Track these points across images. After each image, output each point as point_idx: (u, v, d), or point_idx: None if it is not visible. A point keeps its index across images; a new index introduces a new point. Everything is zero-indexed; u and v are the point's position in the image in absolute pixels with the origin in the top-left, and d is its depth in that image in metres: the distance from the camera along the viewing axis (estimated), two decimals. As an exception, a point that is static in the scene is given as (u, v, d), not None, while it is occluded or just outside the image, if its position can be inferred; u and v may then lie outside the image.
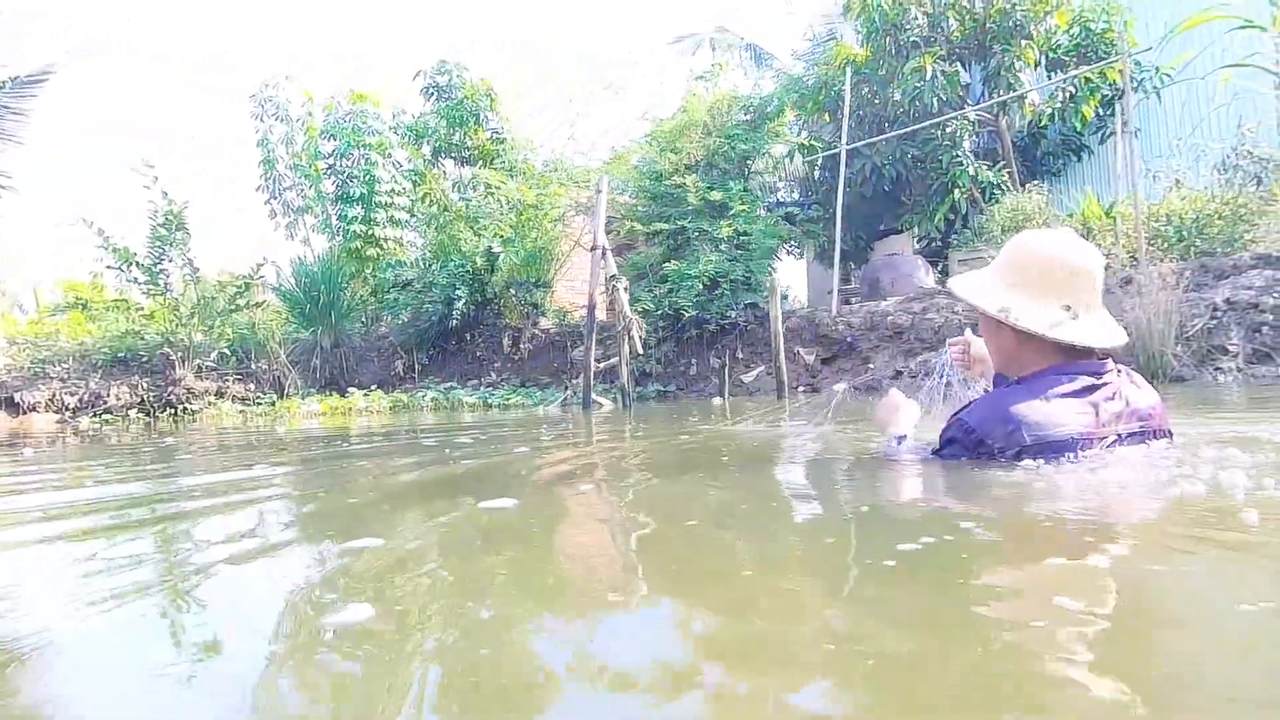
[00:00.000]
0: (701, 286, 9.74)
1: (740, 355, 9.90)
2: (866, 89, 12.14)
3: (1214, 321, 6.45)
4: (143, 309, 11.86)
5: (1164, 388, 5.59)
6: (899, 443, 2.31)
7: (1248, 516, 1.32)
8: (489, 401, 9.46)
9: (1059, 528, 1.41)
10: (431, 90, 14.45)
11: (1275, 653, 0.83)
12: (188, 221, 11.13)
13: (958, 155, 11.26)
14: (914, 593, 1.10)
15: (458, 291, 11.31)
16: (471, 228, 11.85)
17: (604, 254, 8.07)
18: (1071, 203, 10.34)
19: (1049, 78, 11.80)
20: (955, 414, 2.01)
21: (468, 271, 11.54)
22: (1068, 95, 11.56)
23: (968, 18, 11.38)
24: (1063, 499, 1.57)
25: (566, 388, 9.69)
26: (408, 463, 3.27)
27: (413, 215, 13.57)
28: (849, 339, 9.04)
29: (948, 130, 11.28)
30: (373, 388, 10.64)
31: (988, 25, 11.21)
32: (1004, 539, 1.36)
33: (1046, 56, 11.50)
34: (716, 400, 8.13)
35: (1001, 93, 11.23)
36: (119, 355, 11.18)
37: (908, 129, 11.22)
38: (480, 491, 2.27)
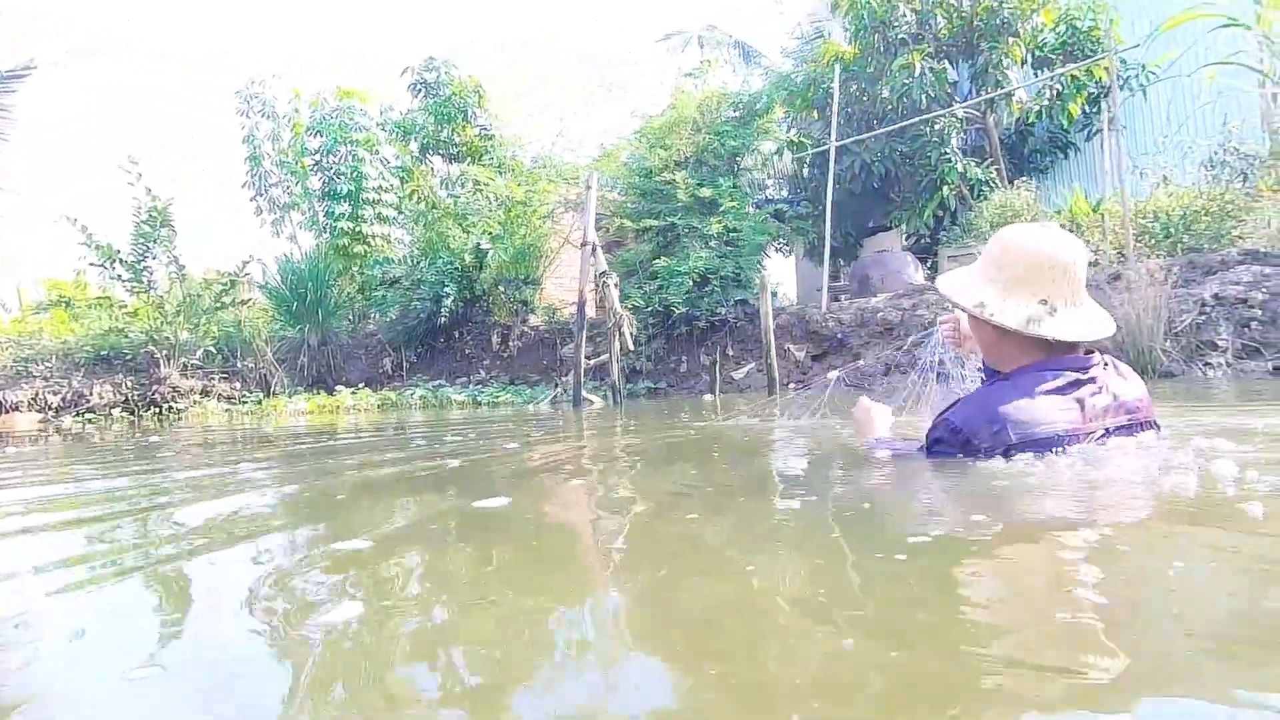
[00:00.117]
0: (691, 283, 9.72)
1: (730, 352, 9.89)
2: (855, 86, 12.16)
3: (1202, 317, 6.48)
4: (126, 307, 11.72)
5: (1153, 383, 5.62)
6: (879, 443, 2.31)
7: (1251, 509, 1.31)
8: (478, 399, 9.41)
9: (1054, 521, 1.41)
10: (419, 87, 14.35)
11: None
12: (173, 218, 11.01)
13: (946, 152, 11.29)
14: (929, 587, 1.08)
15: (446, 289, 11.24)
16: (460, 225, 11.78)
17: (594, 250, 8.04)
18: (1059, 199, 10.38)
19: (1036, 75, 11.85)
20: (940, 414, 2.00)
21: (456, 269, 11.48)
22: (1055, 93, 11.62)
23: (955, 15, 11.41)
24: (1057, 491, 1.57)
25: (556, 385, 9.65)
26: (397, 461, 3.23)
27: (400, 212, 13.48)
28: (839, 335, 9.05)
29: (936, 127, 11.31)
30: (360, 386, 10.56)
31: (975, 23, 11.25)
32: (1007, 534, 1.34)
33: (1033, 54, 11.55)
34: (707, 397, 8.12)
35: (989, 90, 11.26)
36: (102, 354, 11.05)
37: (896, 126, 11.24)
38: (472, 490, 2.24)
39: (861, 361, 8.30)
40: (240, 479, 2.78)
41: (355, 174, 12.86)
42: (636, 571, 1.26)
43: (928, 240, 12.52)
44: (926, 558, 1.19)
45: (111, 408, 10.12)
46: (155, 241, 10.95)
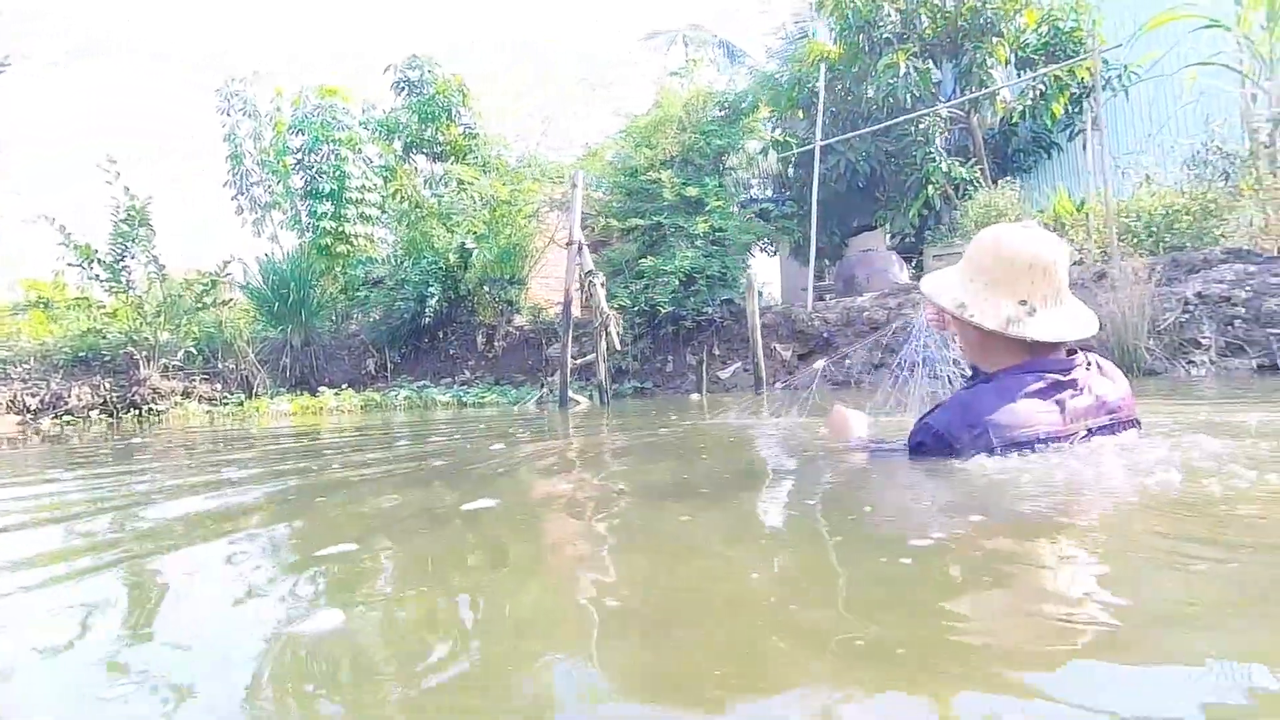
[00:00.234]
0: (678, 283, 9.69)
1: (717, 351, 9.87)
2: (840, 85, 12.18)
3: (1185, 315, 6.52)
4: (105, 307, 11.55)
5: (1138, 381, 5.65)
6: (857, 443, 2.33)
7: (1230, 504, 1.29)
8: (463, 400, 9.34)
9: (1043, 519, 1.40)
10: (402, 85, 14.24)
11: None
12: (151, 217, 10.86)
13: (931, 151, 11.33)
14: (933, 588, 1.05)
15: (430, 289, 11.16)
16: (444, 224, 11.69)
17: (580, 249, 7.99)
18: (1043, 199, 10.45)
19: (1019, 75, 11.92)
20: (922, 417, 2.01)
21: (440, 268, 11.39)
22: (1038, 93, 11.69)
23: (940, 15, 11.45)
24: (1041, 490, 1.56)
25: (542, 385, 9.59)
26: (382, 463, 3.18)
27: (384, 212, 13.37)
28: (825, 334, 9.05)
29: (921, 126, 11.35)
30: (344, 387, 10.46)
31: (959, 23, 11.30)
32: (1004, 534, 1.32)
33: (1017, 54, 11.61)
34: (694, 397, 8.10)
35: (973, 90, 11.31)
36: (80, 355, 10.88)
37: (882, 125, 11.26)
38: (459, 492, 2.19)
39: (848, 355, 8.31)
40: (221, 481, 2.72)
41: (338, 173, 12.74)
42: (629, 572, 1.22)
43: (912, 240, 12.55)
44: (919, 555, 1.16)
45: (90, 409, 9.96)
46: (134, 241, 10.80)
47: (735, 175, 11.93)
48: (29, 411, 9.90)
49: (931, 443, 1.92)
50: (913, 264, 11.74)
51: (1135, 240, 8.14)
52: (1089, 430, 1.88)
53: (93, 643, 1.01)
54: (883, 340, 7.90)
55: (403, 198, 13.15)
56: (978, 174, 11.28)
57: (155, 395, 10.21)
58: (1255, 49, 8.87)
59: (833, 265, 13.31)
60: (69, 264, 10.94)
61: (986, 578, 1.09)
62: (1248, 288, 6.46)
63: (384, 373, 11.70)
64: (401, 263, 12.19)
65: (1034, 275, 1.90)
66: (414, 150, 14.50)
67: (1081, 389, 1.89)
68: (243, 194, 14.31)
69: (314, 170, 12.98)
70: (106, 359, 10.82)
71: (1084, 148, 11.75)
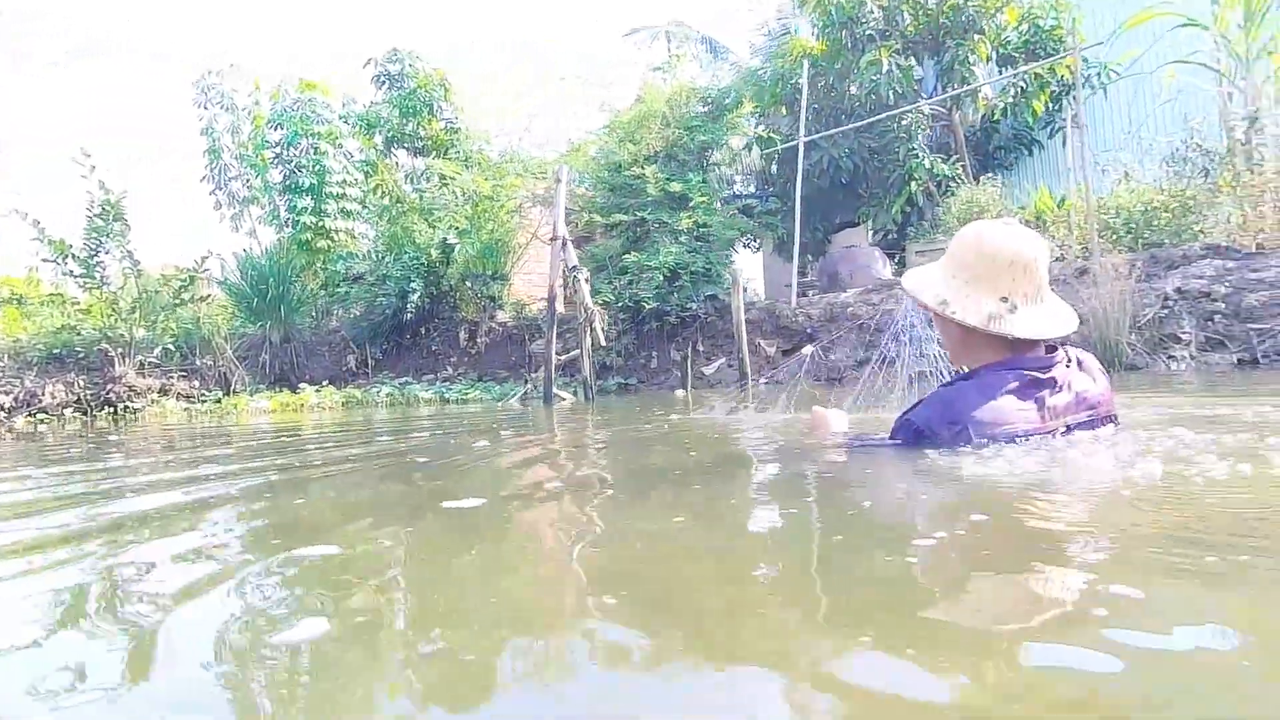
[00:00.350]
0: (662, 278, 9.66)
1: (701, 348, 9.86)
2: (823, 82, 12.19)
3: (1165, 311, 6.59)
4: (79, 304, 11.35)
5: (1120, 375, 5.69)
6: (836, 435, 2.38)
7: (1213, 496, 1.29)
8: (446, 396, 9.27)
9: (1009, 500, 1.40)
10: (383, 79, 14.11)
11: None
12: (125, 212, 10.68)
13: (914, 148, 11.36)
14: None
15: (412, 284, 11.05)
16: (426, 219, 11.59)
17: (564, 244, 7.94)
18: (1023, 196, 10.52)
19: (1001, 73, 11.99)
20: (903, 414, 2.04)
21: (422, 264, 11.29)
22: (1019, 90, 11.76)
23: (922, 12, 11.49)
24: (1007, 473, 1.60)
25: (526, 381, 9.54)
26: (364, 461, 3.13)
27: (365, 207, 13.23)
28: (809, 330, 9.06)
29: (903, 123, 11.38)
30: (324, 384, 10.35)
31: (941, 20, 11.34)
32: (1003, 530, 1.31)
33: (998, 52, 11.68)
34: (679, 392, 8.08)
35: (955, 86, 11.36)
36: (55, 352, 10.69)
37: (865, 121, 11.29)
38: (444, 491, 2.15)
39: (832, 357, 8.32)
40: (198, 479, 2.66)
41: (317, 167, 12.59)
42: (619, 572, 1.19)
43: (895, 236, 12.60)
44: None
45: (64, 407, 9.79)
46: (108, 236, 10.61)
47: (719, 171, 11.92)
48: (2, 410, 9.71)
49: (911, 439, 1.96)
50: (895, 260, 11.78)
51: (1115, 237, 8.20)
52: (1068, 427, 1.91)
53: (60, 643, 0.96)
54: (865, 338, 7.92)
55: (384, 193, 13.03)
56: (959, 171, 11.33)
57: (131, 393, 10.05)
58: (1232, 48, 8.96)
59: (816, 261, 13.34)
60: (43, 259, 10.75)
61: (954, 554, 1.13)
62: (1227, 283, 6.53)
63: (365, 369, 11.60)
64: (383, 258, 12.08)
65: (1015, 272, 1.92)
66: (395, 145, 14.37)
67: (1061, 386, 1.91)
68: (221, 189, 14.13)
69: (293, 164, 12.83)
70: (81, 356, 10.64)
71: (1064, 145, 11.84)
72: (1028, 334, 1.89)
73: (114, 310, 10.59)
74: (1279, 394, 3.72)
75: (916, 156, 11.28)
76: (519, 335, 11.23)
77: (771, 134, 12.77)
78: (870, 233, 13.08)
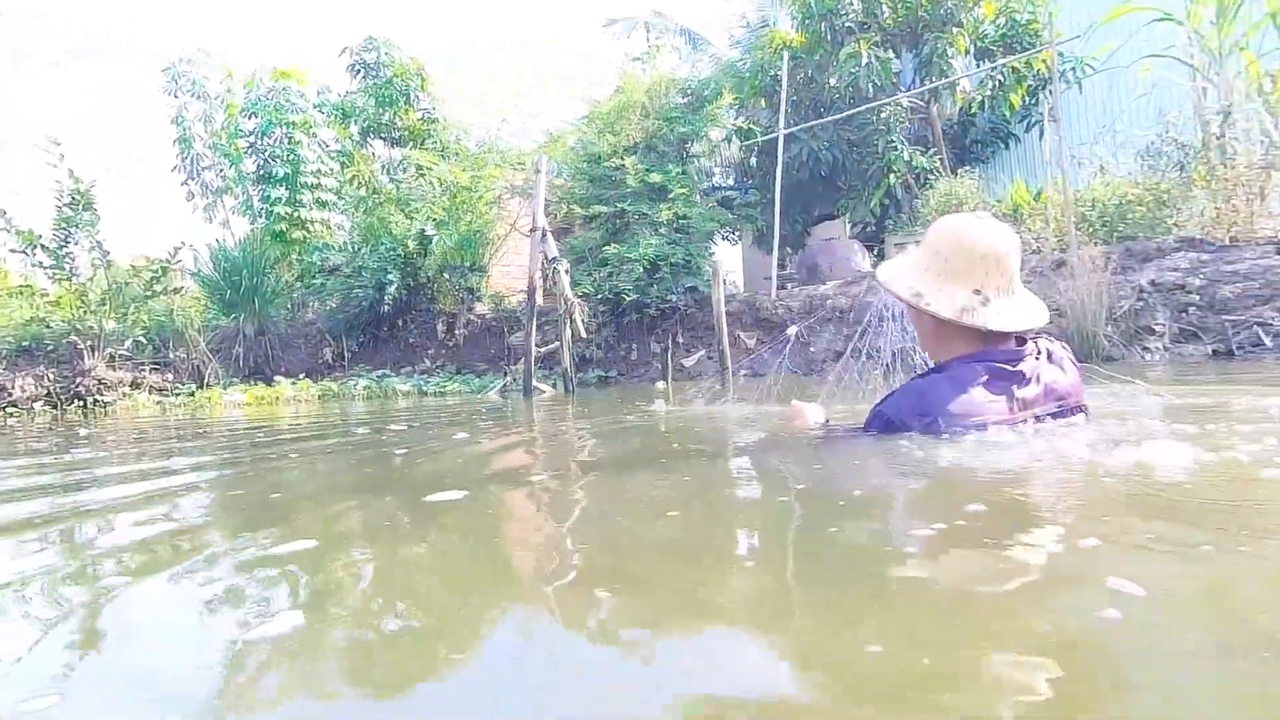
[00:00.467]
0: (642, 270, 9.62)
1: (681, 340, 9.85)
2: (802, 74, 12.18)
3: (1140, 303, 6.66)
4: (48, 295, 11.10)
5: (1098, 366, 5.74)
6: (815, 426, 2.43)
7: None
8: (424, 389, 9.18)
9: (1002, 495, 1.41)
10: (358, 68, 13.91)
11: None
12: (95, 201, 10.45)
13: (892, 141, 11.39)
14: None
15: (389, 276, 10.91)
16: (403, 210, 11.45)
17: (544, 235, 7.88)
18: (1000, 189, 10.58)
19: (978, 66, 12.05)
20: (876, 405, 2.08)
21: (399, 255, 11.14)
22: (996, 84, 11.82)
23: (900, 4, 11.51)
24: (989, 468, 1.63)
25: (506, 374, 9.48)
26: (342, 453, 3.08)
27: (340, 197, 13.06)
28: (789, 322, 9.07)
29: (882, 116, 11.40)
30: (300, 376, 10.22)
31: (920, 13, 11.35)
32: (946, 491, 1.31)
33: (975, 45, 11.73)
34: (660, 384, 8.07)
35: (933, 79, 11.40)
36: (24, 345, 10.45)
37: (844, 114, 11.30)
38: (424, 484, 2.11)
39: (811, 350, 8.34)
40: (170, 473, 2.60)
41: (292, 157, 12.40)
42: (607, 567, 1.17)
43: (874, 228, 12.64)
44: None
45: (34, 401, 9.58)
46: (77, 226, 10.39)
47: (698, 163, 11.89)
48: (-31, 404, 9.49)
49: (884, 429, 2.01)
50: (875, 252, 11.83)
51: (1090, 230, 8.28)
52: (1036, 418, 1.95)
53: (25, 642, 0.92)
54: (843, 330, 7.95)
55: (360, 183, 12.87)
56: (938, 163, 11.38)
57: (101, 386, 9.86)
58: (1205, 43, 9.06)
59: (795, 254, 13.36)
60: (11, 250, 10.50)
61: (913, 525, 1.15)
62: (1201, 275, 6.62)
63: (341, 362, 11.46)
64: (359, 249, 11.92)
65: (988, 265, 1.95)
66: (371, 135, 14.20)
67: (1030, 379, 1.95)
68: (193, 179, 13.88)
69: (267, 154, 12.63)
70: (51, 349, 10.42)
71: (1040, 138, 11.93)
72: (1000, 326, 1.93)
73: (83, 302, 10.38)
74: (1228, 381, 3.77)
75: (895, 149, 11.32)
76: (498, 328, 11.15)
77: (751, 125, 12.76)
78: (849, 225, 13.11)
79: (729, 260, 18.04)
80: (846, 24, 11.62)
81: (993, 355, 1.95)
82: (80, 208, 10.33)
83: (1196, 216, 7.74)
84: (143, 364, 10.64)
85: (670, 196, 10.16)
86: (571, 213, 10.95)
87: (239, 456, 3.05)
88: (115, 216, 10.99)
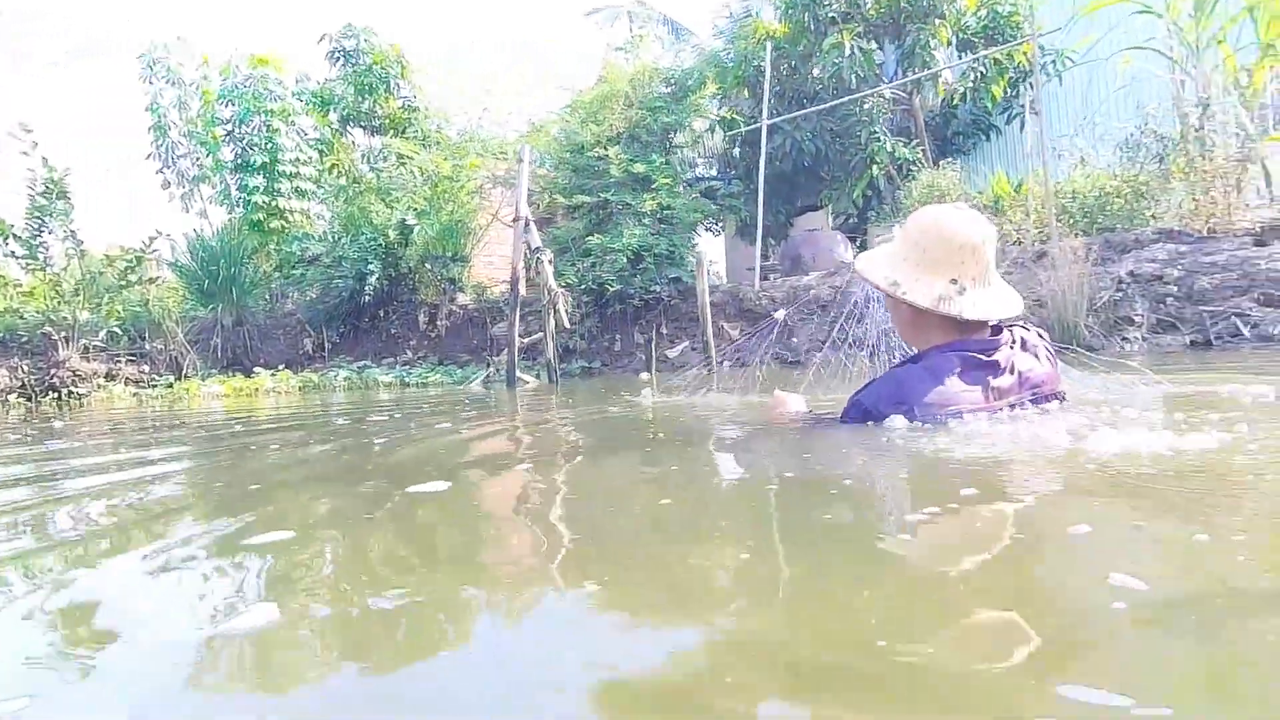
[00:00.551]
0: (625, 261, 9.59)
1: (664, 330, 9.83)
2: (785, 65, 12.17)
3: (1119, 294, 6.72)
4: (21, 286, 10.89)
5: (1078, 356, 5.78)
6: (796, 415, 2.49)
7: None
8: (406, 380, 9.11)
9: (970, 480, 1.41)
10: (338, 55, 13.73)
11: None
12: (69, 190, 10.26)
13: (875, 132, 11.41)
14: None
15: (370, 266, 10.79)
16: (383, 200, 11.33)
17: (527, 225, 7.82)
18: (981, 180, 10.63)
19: (960, 58, 12.08)
20: (854, 394, 2.13)
21: (380, 245, 11.02)
22: (978, 75, 11.87)
23: (883, -5, 11.52)
24: (964, 452, 1.65)
25: (489, 364, 9.41)
26: (322, 443, 3.03)
27: (320, 186, 12.89)
28: (773, 312, 9.08)
29: (865, 107, 11.42)
30: (280, 368, 10.10)
31: (902, 4, 11.37)
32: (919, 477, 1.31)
33: (958, 37, 11.76)
34: (644, 375, 8.05)
35: (915, 71, 11.42)
36: (-4, 336, 10.26)
37: (827, 105, 11.30)
38: (407, 475, 2.08)
39: (794, 340, 8.35)
40: (146, 463, 2.55)
41: (270, 145, 12.22)
42: (595, 561, 1.15)
43: (856, 219, 12.68)
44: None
45: (8, 393, 9.40)
46: (51, 215, 10.19)
47: (681, 153, 11.85)
48: (-61, 396, 9.30)
49: (861, 418, 2.05)
50: (857, 243, 11.86)
51: (1071, 221, 8.33)
52: (1011, 406, 1.99)
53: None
54: (826, 320, 7.96)
55: (340, 172, 12.71)
56: (920, 155, 11.42)
57: (76, 378, 9.69)
58: (1183, 36, 9.12)
59: (778, 245, 13.37)
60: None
61: (883, 501, 1.17)
62: (1179, 266, 6.68)
63: (322, 353, 11.34)
64: (339, 239, 11.77)
65: (964, 255, 1.98)
66: (351, 123, 14.03)
67: (1004, 369, 1.98)
68: (168, 167, 13.64)
69: (245, 142, 12.44)
70: (24, 340, 10.22)
71: (1021, 130, 11.99)
72: (975, 315, 1.96)
73: (57, 292, 10.19)
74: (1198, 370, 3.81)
75: (878, 140, 11.34)
76: (480, 318, 11.07)
77: (734, 115, 12.73)
78: (831, 216, 13.14)
79: (712, 252, 18.05)
80: (829, 14, 11.62)
81: (969, 345, 1.98)
82: (54, 196, 10.13)
83: (1174, 208, 7.81)
84: (118, 355, 10.47)
85: (654, 187, 10.13)
86: (554, 203, 10.88)
87: (216, 449, 3.00)
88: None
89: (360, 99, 13.53)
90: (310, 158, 12.75)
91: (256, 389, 9.08)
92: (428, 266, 11.35)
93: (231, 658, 0.80)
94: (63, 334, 10.00)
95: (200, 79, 13.20)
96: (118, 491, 1.96)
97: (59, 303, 10.18)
